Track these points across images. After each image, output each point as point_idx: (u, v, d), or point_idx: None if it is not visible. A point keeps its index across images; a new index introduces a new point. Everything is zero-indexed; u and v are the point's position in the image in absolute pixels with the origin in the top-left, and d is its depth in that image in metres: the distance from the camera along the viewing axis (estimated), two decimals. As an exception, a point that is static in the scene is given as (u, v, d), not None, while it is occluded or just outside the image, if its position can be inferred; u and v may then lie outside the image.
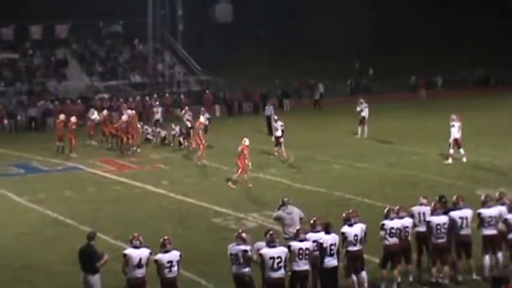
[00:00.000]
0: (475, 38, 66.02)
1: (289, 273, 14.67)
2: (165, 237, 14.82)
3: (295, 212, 17.26)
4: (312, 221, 15.56)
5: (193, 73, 60.59)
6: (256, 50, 64.06)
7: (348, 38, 64.95)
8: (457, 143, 30.21)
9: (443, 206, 16.65)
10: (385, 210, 16.47)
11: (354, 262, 15.64)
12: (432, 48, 65.34)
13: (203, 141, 32.45)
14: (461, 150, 30.15)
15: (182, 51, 62.27)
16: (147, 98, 51.78)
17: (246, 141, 27.59)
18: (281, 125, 33.14)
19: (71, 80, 56.12)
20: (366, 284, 15.90)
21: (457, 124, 30.34)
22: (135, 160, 33.59)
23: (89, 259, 14.80)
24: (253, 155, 33.02)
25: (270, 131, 39.80)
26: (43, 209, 24.82)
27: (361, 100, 39.51)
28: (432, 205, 16.51)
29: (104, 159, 33.97)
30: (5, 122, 47.15)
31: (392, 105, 52.63)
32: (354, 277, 15.63)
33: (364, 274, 15.90)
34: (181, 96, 52.71)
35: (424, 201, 16.98)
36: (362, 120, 38.52)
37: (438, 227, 16.08)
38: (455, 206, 16.59)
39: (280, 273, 14.39)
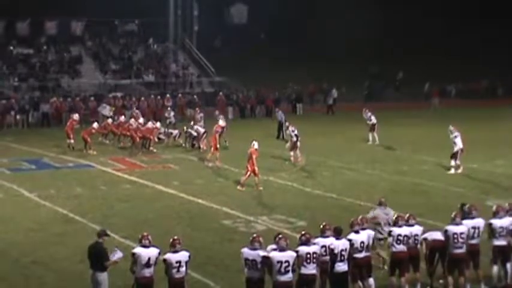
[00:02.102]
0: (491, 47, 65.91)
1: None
2: (175, 237, 14.83)
3: (391, 215, 17.34)
4: (321, 226, 15.53)
5: (207, 74, 60.65)
6: (271, 53, 64.02)
7: (364, 43, 64.93)
8: (461, 153, 30.23)
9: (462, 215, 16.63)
10: (394, 218, 16.45)
11: (360, 269, 15.58)
12: (449, 56, 65.24)
13: (217, 144, 32.40)
14: (458, 161, 30.17)
15: (196, 52, 62.34)
16: (159, 97, 51.91)
17: (255, 145, 27.59)
18: (293, 131, 33.12)
19: (85, 77, 56.26)
20: (372, 291, 15.88)
21: (459, 134, 30.36)
22: (146, 159, 33.63)
23: (97, 256, 14.82)
24: (264, 159, 33.07)
25: (279, 135, 39.89)
26: (53, 205, 24.85)
27: (365, 109, 39.59)
28: (453, 214, 16.43)
29: (115, 158, 34.02)
30: (17, 117, 47.24)
31: (405, 113, 52.54)
32: (360, 284, 15.59)
33: (371, 281, 15.86)
34: (195, 96, 52.82)
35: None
36: (372, 127, 38.46)
37: (455, 236, 16.00)
38: (468, 216, 16.54)
39: (288, 277, 14.36)
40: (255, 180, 27.37)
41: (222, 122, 34.74)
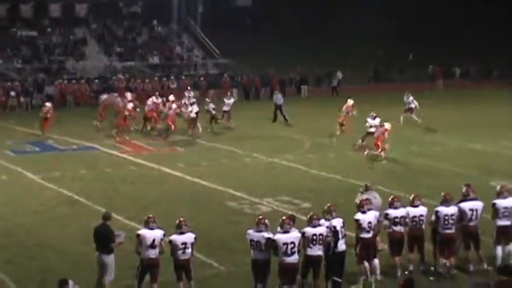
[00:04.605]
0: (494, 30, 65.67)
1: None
2: (181, 219, 14.90)
3: (378, 198, 17.36)
4: (326, 207, 15.56)
5: (212, 56, 60.52)
6: (276, 35, 63.83)
7: (370, 26, 64.66)
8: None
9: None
10: (389, 199, 16.49)
11: (367, 249, 15.67)
12: (453, 37, 65.01)
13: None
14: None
15: (201, 34, 62.19)
16: (164, 79, 51.88)
17: (386, 125, 29.03)
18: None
19: (90, 59, 56.16)
20: (378, 271, 15.92)
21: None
22: (152, 142, 33.59)
23: (104, 239, 14.87)
24: (268, 140, 33.22)
25: (275, 119, 39.27)
26: (57, 188, 24.90)
27: (407, 93, 39.19)
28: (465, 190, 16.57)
29: (120, 140, 33.99)
30: (21, 99, 47.13)
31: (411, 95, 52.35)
32: (367, 264, 15.66)
33: (376, 261, 15.92)
34: (201, 78, 52.76)
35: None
36: (409, 110, 38.13)
37: (446, 217, 16.07)
38: (466, 198, 16.55)
39: (294, 258, 14.44)
40: (377, 155, 28.64)
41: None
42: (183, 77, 53.20)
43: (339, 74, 56.33)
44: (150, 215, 14.96)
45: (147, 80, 50.89)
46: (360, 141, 31.06)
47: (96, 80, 50.60)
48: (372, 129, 30.46)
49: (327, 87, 56.47)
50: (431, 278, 16.02)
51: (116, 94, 43.96)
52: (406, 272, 15.99)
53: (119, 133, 34.27)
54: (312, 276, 14.87)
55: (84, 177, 26.70)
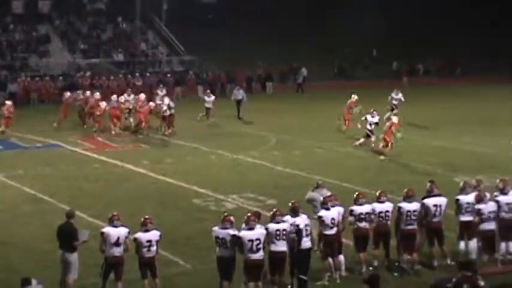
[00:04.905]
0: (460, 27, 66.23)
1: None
2: (146, 217, 14.86)
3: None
4: (291, 204, 15.59)
5: (177, 53, 60.36)
6: (241, 31, 63.81)
7: (336, 23, 64.89)
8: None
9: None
10: (354, 196, 16.55)
11: (331, 245, 15.70)
12: (417, 35, 65.44)
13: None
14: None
15: (166, 31, 61.99)
16: (129, 76, 51.64)
17: (394, 118, 29.34)
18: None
19: (53, 56, 55.72)
20: (343, 267, 15.97)
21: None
22: (116, 139, 33.41)
23: (68, 237, 14.75)
24: (233, 137, 33.22)
25: (239, 115, 39.06)
26: (21, 186, 24.66)
27: (397, 90, 39.45)
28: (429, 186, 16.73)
29: (84, 137, 33.76)
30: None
31: (374, 91, 52.59)
32: (331, 260, 15.69)
33: (341, 257, 15.97)
34: (168, 75, 52.58)
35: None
36: (395, 106, 37.93)
37: (408, 213, 16.16)
38: (430, 194, 16.66)
39: (259, 254, 14.43)
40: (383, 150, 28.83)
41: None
42: (148, 74, 52.99)
43: (304, 71, 56.47)
44: (115, 213, 14.88)
45: (111, 77, 50.60)
46: (362, 139, 30.80)
47: (60, 77, 50.20)
48: (372, 127, 30.42)
49: (292, 84, 56.59)
50: (395, 274, 16.10)
51: (79, 92, 43.57)
52: (371, 268, 16.04)
53: (98, 131, 34.21)
54: (277, 272, 14.87)
55: (48, 175, 26.49)
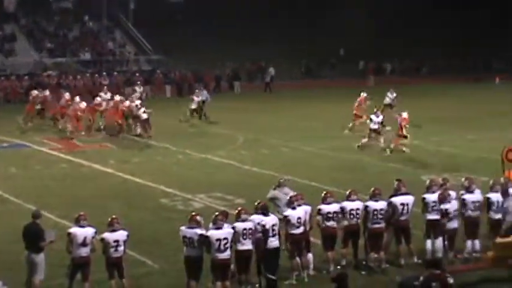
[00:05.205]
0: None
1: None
2: (113, 216, 14.80)
3: (290, 194, 17.21)
4: (256, 204, 15.61)
5: (144, 52, 60.16)
6: (209, 31, 63.77)
7: (302, 22, 65.14)
8: None
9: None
10: (322, 195, 16.58)
11: (298, 245, 15.72)
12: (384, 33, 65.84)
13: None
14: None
15: (133, 30, 61.77)
16: (96, 75, 51.37)
17: (404, 114, 29.84)
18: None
19: (19, 55, 55.28)
20: (311, 266, 16.01)
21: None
22: (82, 139, 33.21)
23: (34, 237, 14.63)
24: (201, 137, 33.21)
25: (201, 116, 38.36)
26: (-13, 186, 24.45)
27: (392, 90, 39.38)
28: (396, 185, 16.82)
29: (50, 137, 33.52)
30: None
31: (341, 91, 52.85)
32: (298, 259, 15.72)
33: (310, 256, 16.01)
34: (137, 74, 52.39)
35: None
36: (389, 106, 38.13)
37: (375, 212, 16.25)
38: (397, 192, 16.75)
39: (227, 254, 14.43)
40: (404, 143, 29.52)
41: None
42: (115, 73, 52.76)
43: (272, 70, 56.55)
44: (81, 213, 14.79)
45: (78, 77, 50.31)
46: (366, 139, 30.52)
47: (26, 77, 49.82)
48: (375, 126, 30.29)
49: (260, 83, 56.66)
50: (362, 272, 16.17)
51: (46, 91, 43.16)
52: (339, 267, 16.09)
53: (73, 133, 33.37)
54: (244, 271, 14.89)
55: (14, 175, 26.28)
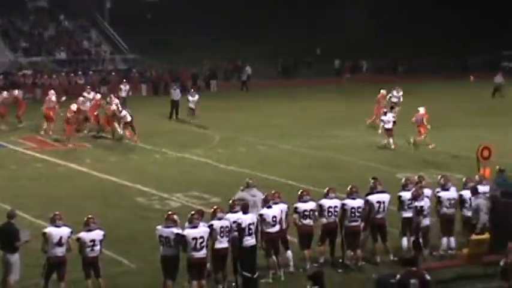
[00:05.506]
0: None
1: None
2: (90, 216, 14.75)
3: (258, 196, 17.08)
4: (230, 202, 15.63)
5: (120, 52, 59.98)
6: (185, 30, 63.68)
7: (277, 22, 65.18)
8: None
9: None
10: (299, 193, 16.61)
11: (273, 243, 15.73)
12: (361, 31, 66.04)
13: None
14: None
15: (109, 30, 61.56)
16: (72, 74, 51.16)
17: (421, 110, 30.51)
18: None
19: (-6, 55, 54.99)
20: (291, 263, 16.04)
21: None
22: (58, 138, 33.00)
23: (8, 237, 14.55)
24: (178, 135, 33.14)
25: (172, 116, 38.32)
26: (-39, 186, 24.28)
27: (398, 88, 38.66)
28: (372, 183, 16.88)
29: (26, 137, 33.31)
30: None
31: (317, 89, 52.99)
32: (274, 258, 15.73)
33: (289, 254, 16.04)
34: (113, 73, 52.19)
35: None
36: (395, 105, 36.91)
37: (353, 210, 16.29)
38: (373, 190, 16.81)
39: (203, 253, 14.43)
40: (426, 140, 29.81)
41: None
42: (91, 73, 52.55)
43: (248, 69, 56.60)
44: (57, 212, 14.73)
45: (54, 76, 50.07)
46: (386, 141, 30.31)
47: (1, 76, 49.50)
48: (389, 126, 30.19)
49: (237, 82, 56.67)
50: (339, 270, 16.22)
51: (15, 91, 42.68)
52: (316, 265, 16.12)
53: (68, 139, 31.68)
54: (220, 269, 14.90)
55: (-11, 175, 26.12)
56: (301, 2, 68.52)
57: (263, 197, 16.74)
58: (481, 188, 17.23)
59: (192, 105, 36.96)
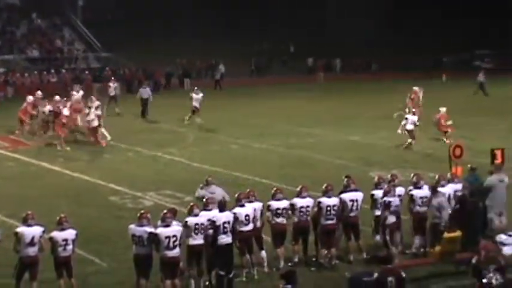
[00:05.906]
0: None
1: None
2: (62, 215, 14.66)
3: (218, 193, 17.14)
4: (204, 200, 15.63)
5: (93, 50, 59.71)
6: (159, 28, 63.56)
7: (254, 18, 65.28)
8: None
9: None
10: (272, 191, 16.59)
11: (247, 242, 15.72)
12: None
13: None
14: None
15: (82, 28, 61.26)
16: (44, 73, 50.86)
17: (442, 110, 30.92)
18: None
19: (-35, 53, 54.54)
20: (265, 263, 16.03)
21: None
22: (30, 137, 32.77)
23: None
24: (151, 134, 33.06)
25: (144, 114, 38.00)
26: None
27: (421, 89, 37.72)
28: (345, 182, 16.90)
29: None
30: None
31: (291, 88, 53.06)
32: (248, 256, 15.72)
33: (263, 253, 16.04)
34: (86, 72, 51.92)
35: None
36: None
37: (328, 208, 16.29)
38: (346, 189, 16.85)
39: (176, 251, 14.39)
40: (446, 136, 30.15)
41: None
42: (64, 71, 52.27)
43: (222, 67, 56.54)
44: (29, 212, 14.61)
45: (26, 74, 49.74)
46: (409, 141, 29.85)
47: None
48: (411, 127, 29.80)
49: (210, 80, 56.60)
50: (312, 269, 16.25)
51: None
52: (290, 264, 16.14)
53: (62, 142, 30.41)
54: (195, 265, 14.90)
55: (-40, 174, 25.90)
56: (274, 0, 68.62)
57: (223, 193, 16.80)
58: (453, 186, 17.38)
59: (196, 104, 35.79)
